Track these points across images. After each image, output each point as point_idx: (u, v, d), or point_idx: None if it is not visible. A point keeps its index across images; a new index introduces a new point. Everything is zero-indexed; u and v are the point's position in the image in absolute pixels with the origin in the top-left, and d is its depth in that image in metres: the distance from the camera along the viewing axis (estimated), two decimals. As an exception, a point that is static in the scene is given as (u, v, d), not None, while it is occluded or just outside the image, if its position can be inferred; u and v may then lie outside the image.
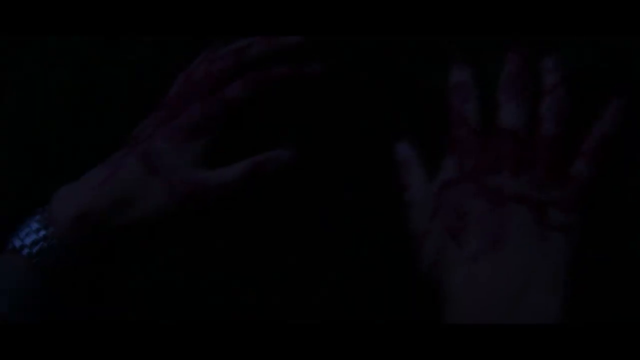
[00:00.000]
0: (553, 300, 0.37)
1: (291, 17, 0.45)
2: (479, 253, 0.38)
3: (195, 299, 0.43)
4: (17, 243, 0.39)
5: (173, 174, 0.41)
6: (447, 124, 0.43)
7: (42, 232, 0.39)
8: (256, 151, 0.43)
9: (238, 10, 0.45)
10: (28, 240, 0.39)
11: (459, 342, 0.35)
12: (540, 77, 0.43)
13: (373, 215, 0.43)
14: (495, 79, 0.43)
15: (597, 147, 0.41)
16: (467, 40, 0.45)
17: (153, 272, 0.44)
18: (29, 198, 0.41)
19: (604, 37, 0.44)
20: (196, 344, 0.38)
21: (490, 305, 0.37)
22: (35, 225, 0.40)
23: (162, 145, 0.41)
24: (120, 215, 0.40)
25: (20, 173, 0.48)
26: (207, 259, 0.44)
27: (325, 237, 0.43)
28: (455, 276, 0.38)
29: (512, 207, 0.39)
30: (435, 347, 0.35)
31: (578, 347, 0.34)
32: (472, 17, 0.43)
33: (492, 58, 0.44)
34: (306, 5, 0.44)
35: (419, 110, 0.45)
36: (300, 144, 0.44)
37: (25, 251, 0.39)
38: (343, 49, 0.46)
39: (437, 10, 0.44)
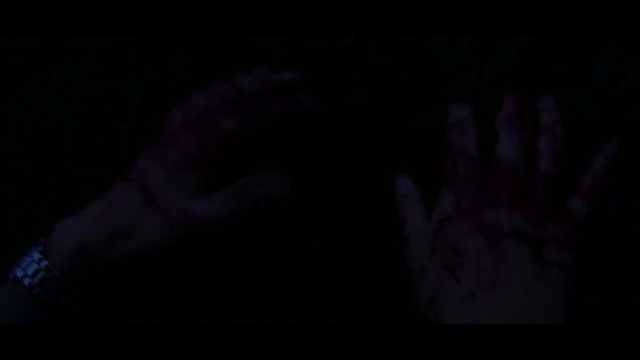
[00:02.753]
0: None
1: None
2: (478, 290, 0.38)
3: (193, 301, 0.44)
4: (19, 273, 0.40)
5: (171, 206, 0.41)
6: (445, 160, 0.43)
7: (44, 263, 0.40)
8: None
9: (237, 11, 0.46)
10: (30, 270, 0.40)
11: (458, 342, 0.36)
12: (538, 117, 0.44)
13: (372, 249, 0.44)
14: (493, 118, 0.44)
15: (594, 186, 0.42)
16: (465, 81, 0.46)
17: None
18: (31, 229, 0.42)
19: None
20: (195, 347, 0.39)
21: None
22: (37, 256, 0.40)
23: (159, 178, 0.42)
24: (119, 247, 0.41)
25: (22, 203, 0.48)
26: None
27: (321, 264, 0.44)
28: (455, 313, 0.38)
29: (510, 244, 0.39)
30: (434, 348, 0.36)
31: (578, 348, 0.35)
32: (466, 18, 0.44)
33: (490, 98, 0.45)
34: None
35: (418, 146, 0.45)
36: (298, 179, 0.44)
37: (27, 281, 0.39)
38: (342, 83, 0.47)
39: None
